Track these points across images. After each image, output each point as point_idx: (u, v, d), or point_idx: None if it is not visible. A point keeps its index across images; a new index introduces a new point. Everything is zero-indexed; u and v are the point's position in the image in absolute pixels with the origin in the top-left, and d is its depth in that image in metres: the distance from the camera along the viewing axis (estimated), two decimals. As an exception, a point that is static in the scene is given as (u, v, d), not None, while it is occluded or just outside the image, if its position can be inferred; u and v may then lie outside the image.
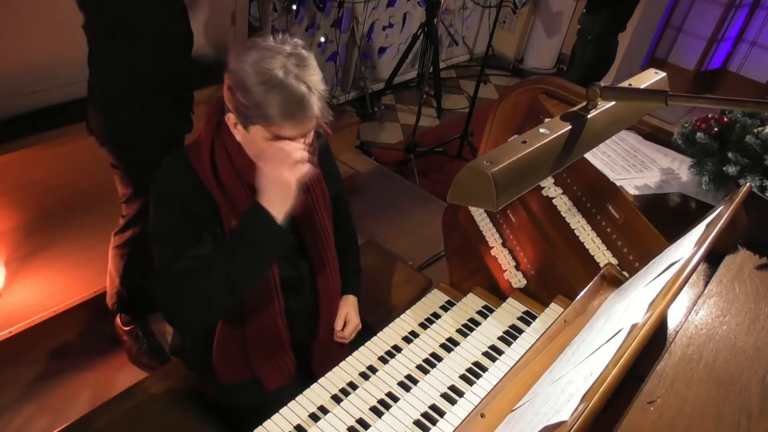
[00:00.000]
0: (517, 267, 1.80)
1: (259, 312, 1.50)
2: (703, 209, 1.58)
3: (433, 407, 1.38)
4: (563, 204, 1.77)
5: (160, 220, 1.39)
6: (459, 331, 1.63)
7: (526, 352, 1.28)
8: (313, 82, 1.24)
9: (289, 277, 1.53)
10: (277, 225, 1.27)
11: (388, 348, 1.56)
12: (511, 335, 1.60)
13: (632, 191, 1.67)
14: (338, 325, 1.66)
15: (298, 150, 1.26)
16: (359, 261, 1.82)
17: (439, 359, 1.53)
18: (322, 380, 1.46)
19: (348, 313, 1.70)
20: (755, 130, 1.59)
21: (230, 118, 1.31)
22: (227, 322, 1.53)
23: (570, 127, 0.96)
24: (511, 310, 1.69)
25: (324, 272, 1.58)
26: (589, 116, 1.00)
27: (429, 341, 1.58)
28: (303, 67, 1.24)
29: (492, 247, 1.91)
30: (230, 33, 3.36)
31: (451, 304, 1.77)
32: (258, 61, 1.21)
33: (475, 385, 1.43)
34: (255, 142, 1.30)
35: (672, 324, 1.23)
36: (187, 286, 1.30)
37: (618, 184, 1.69)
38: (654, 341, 1.10)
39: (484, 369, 1.48)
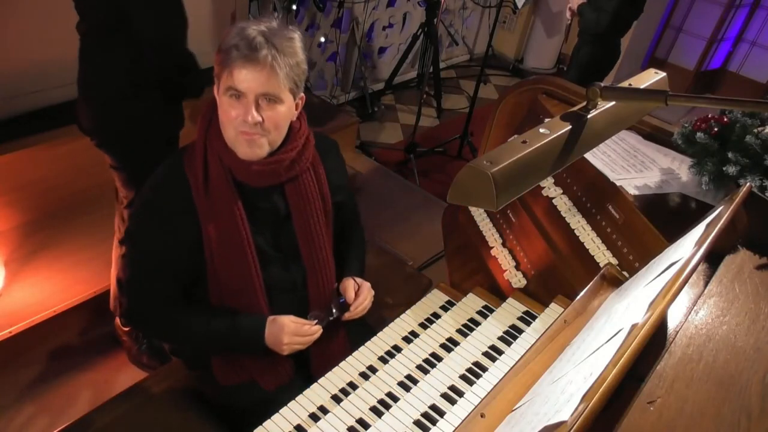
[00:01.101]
0: (517, 267, 1.80)
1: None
2: (703, 209, 1.58)
3: (433, 407, 1.38)
4: (563, 204, 1.77)
5: (137, 229, 1.49)
6: (459, 331, 1.63)
7: (526, 352, 1.28)
8: (280, 45, 1.28)
9: (281, 280, 1.54)
10: (262, 345, 1.50)
11: (388, 348, 1.56)
12: (511, 335, 1.60)
13: (632, 191, 1.67)
14: (350, 297, 1.62)
15: (301, 342, 1.51)
16: (364, 264, 1.81)
17: (439, 359, 1.53)
18: (322, 380, 1.46)
19: (353, 282, 1.65)
20: (755, 130, 1.59)
21: (214, 90, 1.36)
22: None
23: (570, 127, 0.96)
24: (511, 310, 1.68)
25: (316, 277, 1.57)
26: (589, 116, 1.00)
27: (429, 341, 1.58)
28: (273, 32, 1.29)
29: (492, 247, 1.91)
30: (230, 33, 3.35)
31: (451, 304, 1.77)
32: (240, 26, 1.30)
33: (475, 385, 1.42)
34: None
35: (672, 324, 1.23)
36: (158, 331, 1.61)
37: (618, 184, 1.69)
38: (654, 341, 1.10)
39: (484, 369, 1.48)
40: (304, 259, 1.55)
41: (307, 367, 1.64)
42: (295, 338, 1.49)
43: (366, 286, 1.65)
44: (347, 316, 1.60)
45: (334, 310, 1.58)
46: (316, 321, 1.55)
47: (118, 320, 2.45)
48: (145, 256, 1.46)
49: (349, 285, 1.62)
